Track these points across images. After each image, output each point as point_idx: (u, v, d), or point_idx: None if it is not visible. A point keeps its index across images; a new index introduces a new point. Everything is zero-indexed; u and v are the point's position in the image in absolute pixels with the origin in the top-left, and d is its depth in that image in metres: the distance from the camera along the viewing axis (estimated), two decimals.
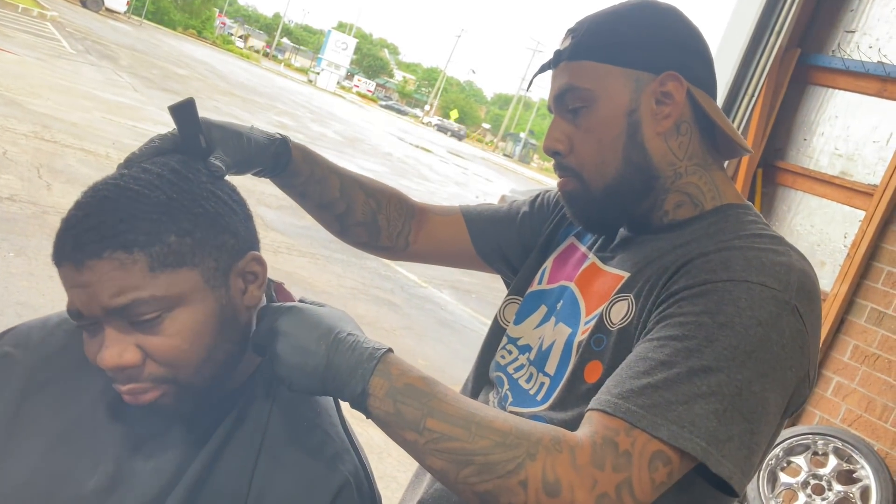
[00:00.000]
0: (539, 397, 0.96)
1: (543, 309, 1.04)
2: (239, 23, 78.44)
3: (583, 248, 1.07)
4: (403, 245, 1.20)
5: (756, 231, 0.89)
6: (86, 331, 0.77)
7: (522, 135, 67.09)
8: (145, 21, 35.92)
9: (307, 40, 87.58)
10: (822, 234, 4.31)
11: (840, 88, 4.34)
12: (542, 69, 1.00)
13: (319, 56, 58.22)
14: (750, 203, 0.97)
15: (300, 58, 74.85)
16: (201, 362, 0.78)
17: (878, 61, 4.09)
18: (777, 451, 3.77)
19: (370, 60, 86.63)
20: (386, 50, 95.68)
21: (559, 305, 1.01)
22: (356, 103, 48.83)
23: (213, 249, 0.78)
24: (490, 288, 8.41)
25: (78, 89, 10.71)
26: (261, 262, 0.84)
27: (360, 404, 0.77)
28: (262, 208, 7.84)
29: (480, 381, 1.10)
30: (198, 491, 0.79)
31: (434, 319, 6.47)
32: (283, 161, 1.03)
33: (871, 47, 4.18)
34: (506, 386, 1.02)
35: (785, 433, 3.84)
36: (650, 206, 0.96)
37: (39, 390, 0.84)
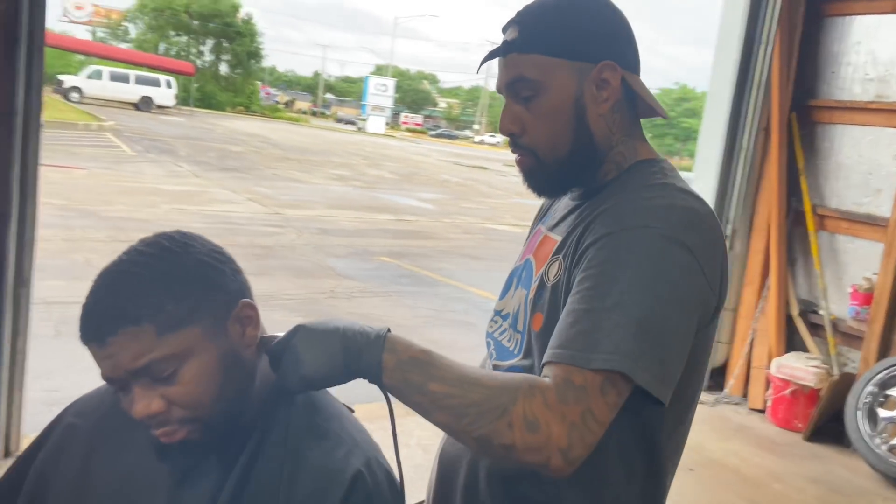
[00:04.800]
0: (515, 350, 1.13)
1: (515, 282, 1.20)
2: (282, 90, 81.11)
3: (542, 228, 1.21)
4: None
5: (652, 182, 1.04)
6: (120, 391, 0.94)
7: None
8: (195, 109, 37.57)
9: (349, 91, 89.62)
10: (872, 161, 4.22)
11: (857, 14, 4.27)
12: (491, 56, 1.10)
13: (363, 103, 59.53)
14: (661, 157, 1.11)
15: (346, 108, 76.65)
16: (216, 400, 0.94)
17: None
18: (870, 388, 3.70)
19: (413, 95, 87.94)
20: (425, 81, 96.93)
21: (523, 274, 1.17)
22: (406, 139, 49.65)
23: (208, 306, 0.94)
24: None
25: (144, 187, 11.38)
26: (252, 307, 0.99)
27: (376, 379, 0.93)
28: (332, 259, 8.14)
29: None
30: None
31: None
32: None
33: None
34: (492, 347, 1.20)
35: (875, 367, 3.76)
36: (592, 176, 1.10)
37: (99, 448, 1.02)
